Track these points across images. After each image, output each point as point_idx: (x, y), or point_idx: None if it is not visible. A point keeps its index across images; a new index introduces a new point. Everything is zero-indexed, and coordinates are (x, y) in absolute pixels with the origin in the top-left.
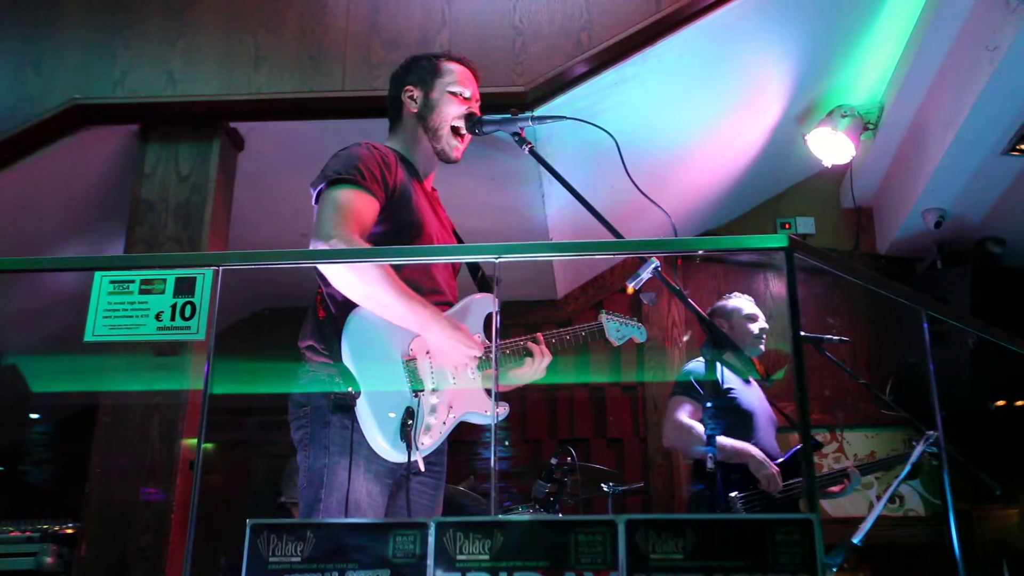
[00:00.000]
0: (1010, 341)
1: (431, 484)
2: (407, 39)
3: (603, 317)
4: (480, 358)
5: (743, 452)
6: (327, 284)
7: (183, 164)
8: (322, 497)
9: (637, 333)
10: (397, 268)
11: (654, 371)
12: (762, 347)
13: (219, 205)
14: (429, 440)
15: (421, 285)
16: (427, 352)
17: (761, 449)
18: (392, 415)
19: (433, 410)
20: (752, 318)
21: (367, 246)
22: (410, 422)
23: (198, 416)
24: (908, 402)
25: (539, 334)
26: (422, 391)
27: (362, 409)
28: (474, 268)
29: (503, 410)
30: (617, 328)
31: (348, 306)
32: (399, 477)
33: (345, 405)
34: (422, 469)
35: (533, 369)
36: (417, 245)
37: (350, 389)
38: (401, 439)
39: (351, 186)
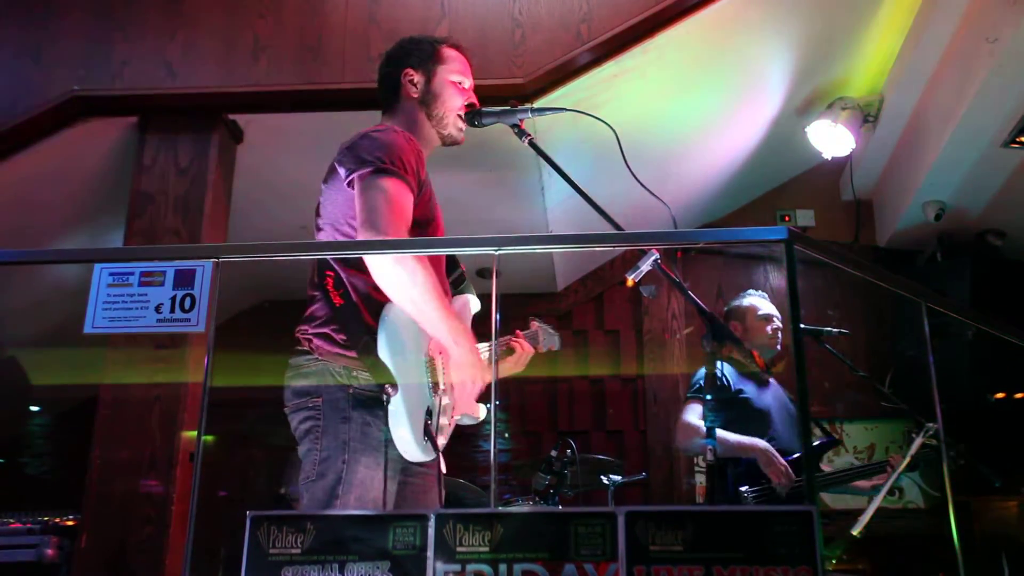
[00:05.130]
0: (1010, 333)
1: (437, 476)
2: (406, 31)
3: (537, 324)
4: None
5: (751, 447)
6: (347, 270)
7: (182, 156)
8: (339, 493)
9: (554, 342)
10: None
11: (654, 363)
12: (778, 347)
13: (218, 197)
14: (443, 440)
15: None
16: (440, 353)
17: (780, 447)
18: (414, 413)
19: (445, 411)
20: (767, 318)
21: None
22: (430, 421)
23: (198, 408)
24: (907, 394)
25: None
26: (442, 389)
27: (396, 406)
28: (451, 265)
29: (480, 411)
30: (546, 336)
31: (372, 296)
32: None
33: (368, 400)
34: (443, 469)
35: (521, 362)
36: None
37: (386, 386)
38: (424, 438)
39: (393, 177)
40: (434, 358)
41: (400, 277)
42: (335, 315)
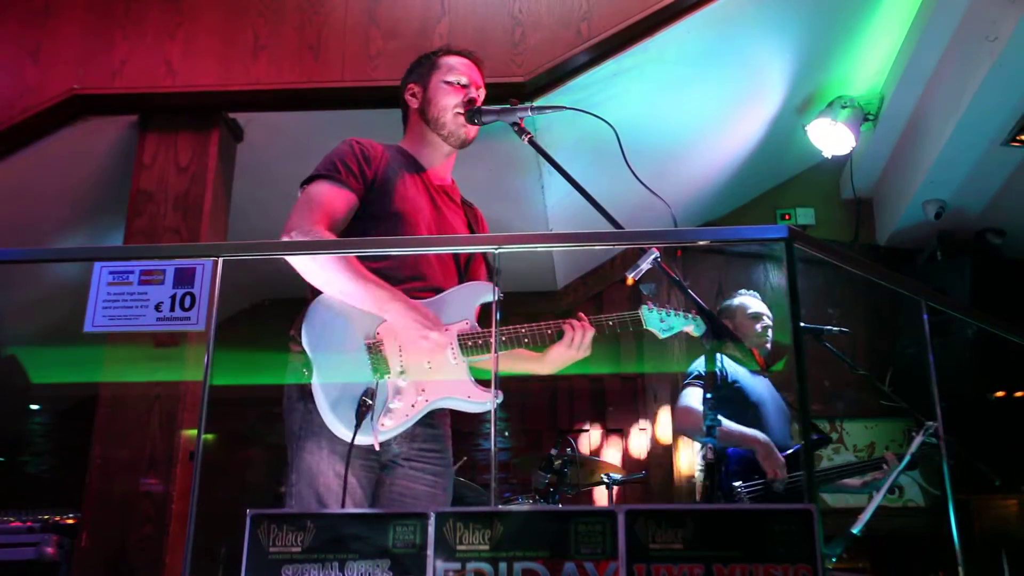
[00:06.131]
0: (1010, 332)
1: (430, 470)
2: (406, 29)
3: (643, 309)
4: (468, 341)
5: (751, 439)
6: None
7: (182, 155)
8: (294, 481)
9: (689, 325)
10: (372, 257)
11: (653, 361)
12: (768, 345)
13: (218, 196)
14: (391, 422)
15: (399, 274)
16: (396, 336)
17: (772, 441)
18: (347, 396)
19: (398, 391)
20: (756, 316)
21: (331, 236)
22: (370, 403)
23: (198, 407)
24: (908, 393)
25: (580, 315)
26: (387, 375)
27: (317, 392)
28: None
29: (487, 396)
30: (661, 319)
31: (317, 294)
32: (387, 461)
33: (307, 391)
34: (376, 447)
35: (576, 345)
36: (400, 236)
37: (304, 371)
38: (356, 419)
39: (324, 180)
40: (383, 342)
41: (308, 265)
42: (302, 318)
